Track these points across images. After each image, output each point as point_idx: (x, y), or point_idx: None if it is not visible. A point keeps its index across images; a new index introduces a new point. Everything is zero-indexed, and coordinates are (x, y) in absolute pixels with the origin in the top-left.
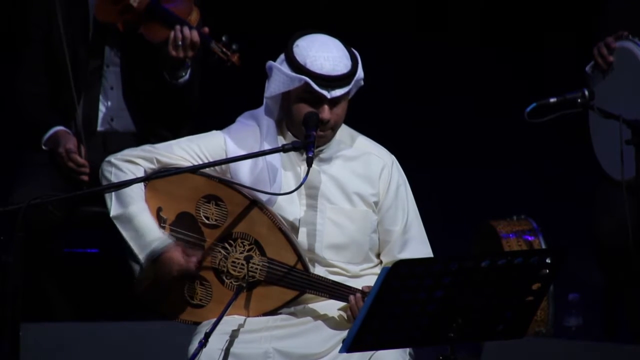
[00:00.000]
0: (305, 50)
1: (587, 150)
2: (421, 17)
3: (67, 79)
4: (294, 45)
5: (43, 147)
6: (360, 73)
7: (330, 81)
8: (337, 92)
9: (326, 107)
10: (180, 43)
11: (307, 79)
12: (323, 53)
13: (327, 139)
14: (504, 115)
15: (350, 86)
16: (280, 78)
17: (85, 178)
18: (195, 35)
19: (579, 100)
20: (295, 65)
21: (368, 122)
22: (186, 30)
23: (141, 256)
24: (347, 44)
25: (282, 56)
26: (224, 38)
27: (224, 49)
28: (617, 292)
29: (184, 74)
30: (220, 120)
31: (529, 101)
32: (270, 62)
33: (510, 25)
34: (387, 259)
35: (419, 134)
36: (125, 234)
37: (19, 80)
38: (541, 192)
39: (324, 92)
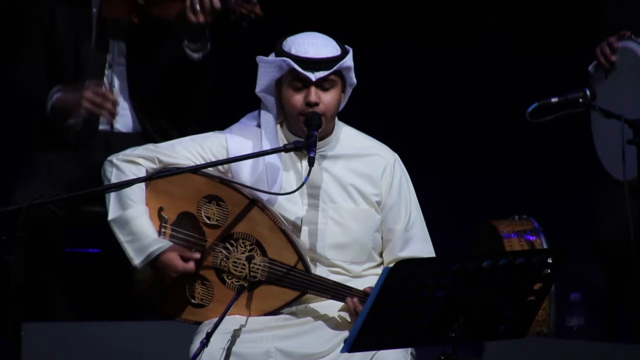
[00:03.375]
0: (291, 40)
1: (588, 150)
2: (424, 22)
3: (70, 78)
4: (283, 40)
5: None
6: (348, 61)
7: (314, 63)
8: (322, 73)
9: (313, 89)
10: (197, 7)
11: (290, 61)
12: (308, 40)
13: (322, 128)
14: (505, 115)
15: (335, 68)
16: (265, 67)
17: (115, 113)
18: None
19: (580, 100)
20: (280, 53)
21: (372, 126)
22: None
23: (138, 260)
24: (341, 42)
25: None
26: None
27: (244, 3)
28: (618, 292)
29: (204, 46)
30: (222, 122)
31: (530, 101)
32: (259, 56)
33: (511, 25)
34: (389, 258)
35: (419, 133)
36: (121, 237)
37: (19, 80)
38: (542, 192)
39: (308, 74)
